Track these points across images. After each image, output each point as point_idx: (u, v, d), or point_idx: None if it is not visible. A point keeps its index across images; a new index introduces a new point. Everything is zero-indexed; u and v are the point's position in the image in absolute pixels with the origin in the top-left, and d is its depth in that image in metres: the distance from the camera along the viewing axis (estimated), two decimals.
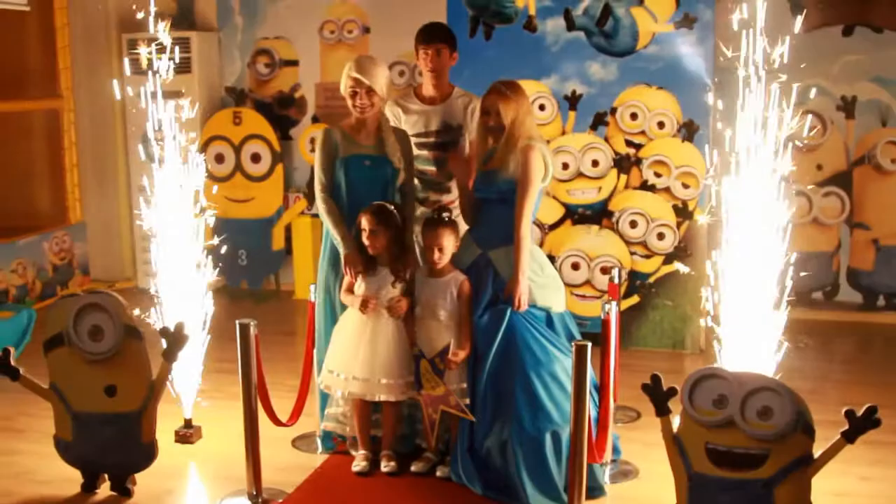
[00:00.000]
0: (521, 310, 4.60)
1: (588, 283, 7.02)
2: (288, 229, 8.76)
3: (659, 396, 4.00)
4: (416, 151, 5.14)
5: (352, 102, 4.91)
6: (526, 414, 4.50)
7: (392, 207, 4.77)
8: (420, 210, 5.16)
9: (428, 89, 5.27)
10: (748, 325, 4.84)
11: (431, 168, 5.20)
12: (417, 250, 5.01)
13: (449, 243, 4.68)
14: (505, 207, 4.67)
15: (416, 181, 5.17)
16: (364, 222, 4.71)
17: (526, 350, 4.56)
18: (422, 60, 5.20)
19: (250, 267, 8.78)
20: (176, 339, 4.56)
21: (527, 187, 4.63)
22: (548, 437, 4.47)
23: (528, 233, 4.65)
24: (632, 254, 6.96)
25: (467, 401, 4.62)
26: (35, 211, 8.94)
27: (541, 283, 4.71)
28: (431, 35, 5.19)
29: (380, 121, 4.98)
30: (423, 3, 7.60)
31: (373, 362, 4.71)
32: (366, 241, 4.71)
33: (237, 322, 4.38)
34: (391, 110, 5.23)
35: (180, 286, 5.24)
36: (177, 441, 5.29)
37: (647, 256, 6.95)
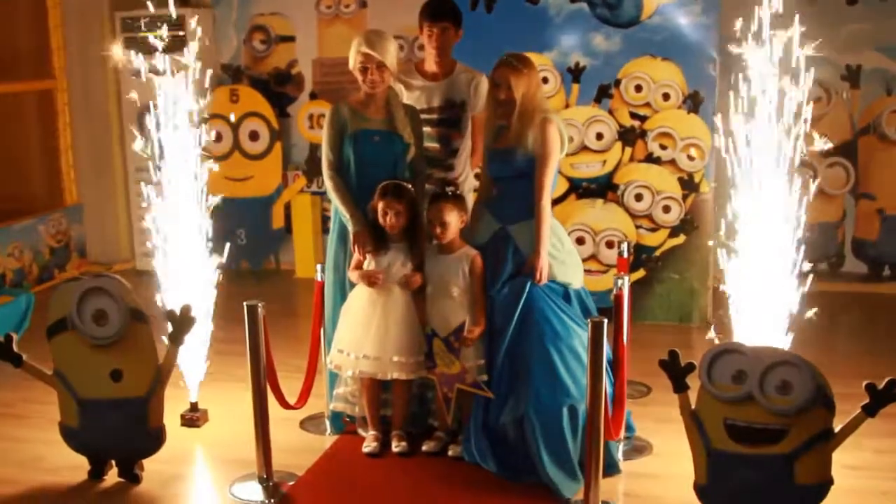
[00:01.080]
0: (542, 283, 4.54)
1: (593, 257, 6.96)
2: (287, 207, 8.68)
3: (677, 372, 3.94)
4: None
5: (362, 78, 4.82)
6: (543, 388, 4.43)
7: (408, 184, 4.71)
8: (443, 180, 5.06)
9: (430, 65, 5.19)
10: (758, 298, 4.78)
11: (434, 145, 5.11)
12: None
13: (452, 218, 4.60)
14: (523, 182, 4.60)
15: None
16: (383, 204, 4.64)
17: (545, 323, 4.50)
18: (426, 38, 5.11)
19: (250, 246, 8.69)
20: (182, 321, 4.49)
21: (547, 161, 4.57)
22: (565, 412, 4.40)
23: (549, 207, 4.60)
24: (637, 227, 6.90)
25: (485, 377, 4.56)
26: (30, 194, 8.83)
27: (560, 259, 4.65)
28: (437, 12, 5.10)
29: (388, 95, 4.90)
30: None
31: (384, 340, 4.64)
32: (388, 222, 4.65)
33: (245, 303, 4.32)
34: (394, 86, 5.12)
35: (186, 267, 5.16)
36: (183, 425, 5.22)
37: (653, 230, 6.89)
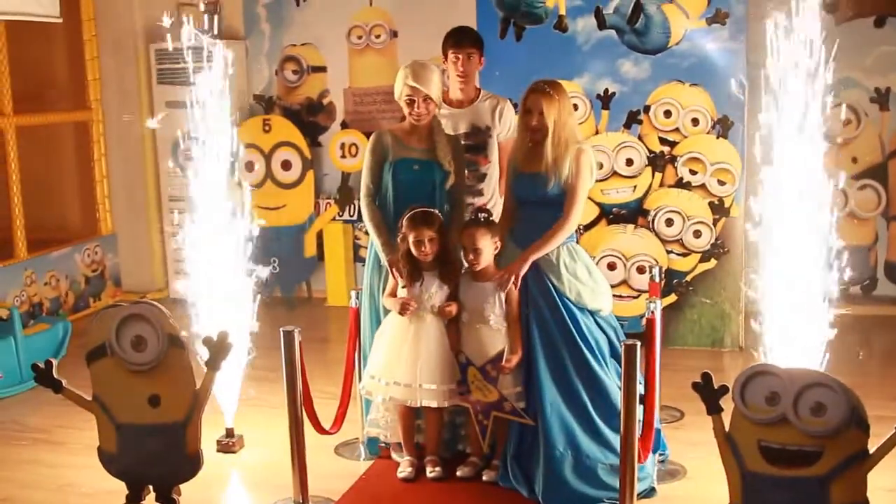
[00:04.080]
0: (510, 290, 4.58)
1: (625, 282, 6.97)
2: (319, 236, 8.75)
3: (710, 394, 3.93)
4: None
5: (409, 110, 4.88)
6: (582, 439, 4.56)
7: (435, 210, 4.74)
8: (476, 207, 5.10)
9: (455, 93, 5.27)
10: (790, 321, 4.79)
11: None
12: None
13: (485, 245, 4.61)
14: (550, 210, 4.64)
15: None
16: (415, 233, 4.65)
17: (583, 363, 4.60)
18: (451, 65, 5.20)
19: (282, 274, 8.74)
20: (219, 348, 4.52)
21: (578, 192, 4.62)
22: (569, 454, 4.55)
23: (566, 234, 4.65)
24: (668, 252, 6.91)
25: (523, 404, 4.59)
26: (66, 223, 8.96)
27: (590, 286, 4.68)
28: (461, 39, 5.21)
29: (432, 125, 4.95)
30: (451, 5, 7.61)
31: (415, 367, 4.66)
32: (420, 251, 4.66)
33: (281, 329, 4.35)
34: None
35: (224, 295, 5.22)
36: (219, 451, 5.27)
37: (684, 254, 6.90)
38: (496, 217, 4.87)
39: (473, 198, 5.23)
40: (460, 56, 5.17)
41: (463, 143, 5.16)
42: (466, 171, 5.16)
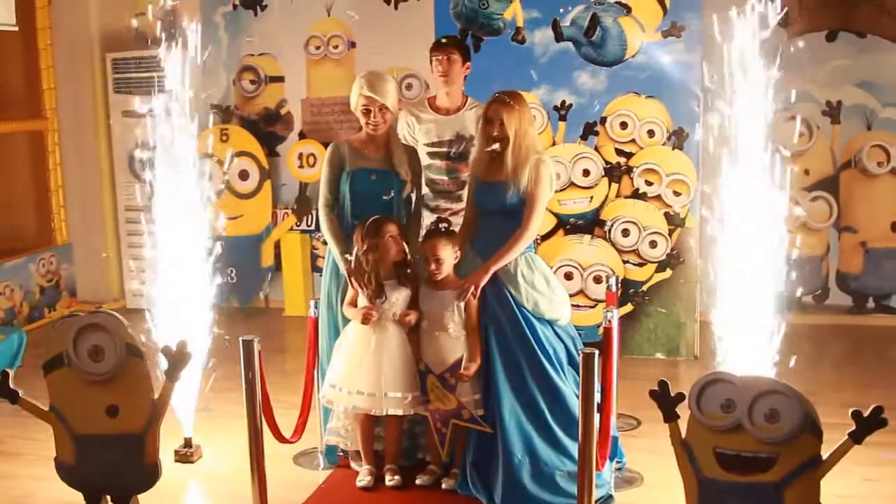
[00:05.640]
0: (471, 301, 4.61)
1: (581, 292, 7.02)
2: (277, 246, 8.73)
3: (667, 402, 3.98)
4: (428, 161, 5.21)
5: (365, 120, 4.91)
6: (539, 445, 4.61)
7: (388, 218, 4.76)
8: (437, 217, 5.14)
9: (442, 99, 5.34)
10: (744, 330, 4.86)
11: (444, 177, 5.24)
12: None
13: (447, 254, 4.65)
14: (510, 220, 4.68)
15: (427, 190, 5.22)
16: (364, 242, 4.67)
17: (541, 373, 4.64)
18: (434, 67, 5.27)
19: (239, 284, 8.72)
20: (178, 358, 4.50)
21: (537, 202, 4.67)
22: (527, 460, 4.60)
23: (524, 244, 4.69)
24: (624, 262, 6.97)
25: (482, 412, 4.62)
26: (20, 233, 8.86)
27: (548, 296, 4.73)
28: (443, 42, 5.33)
29: (389, 135, 5.00)
30: (409, 17, 7.65)
31: (378, 376, 4.66)
32: (368, 259, 4.67)
33: (240, 338, 4.35)
34: (405, 119, 5.30)
35: (182, 304, 5.21)
36: (177, 460, 5.25)
37: (640, 265, 6.96)
38: (455, 227, 4.90)
39: (452, 203, 5.29)
40: (441, 57, 5.23)
41: (447, 150, 5.24)
42: (447, 178, 5.23)
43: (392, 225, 4.72)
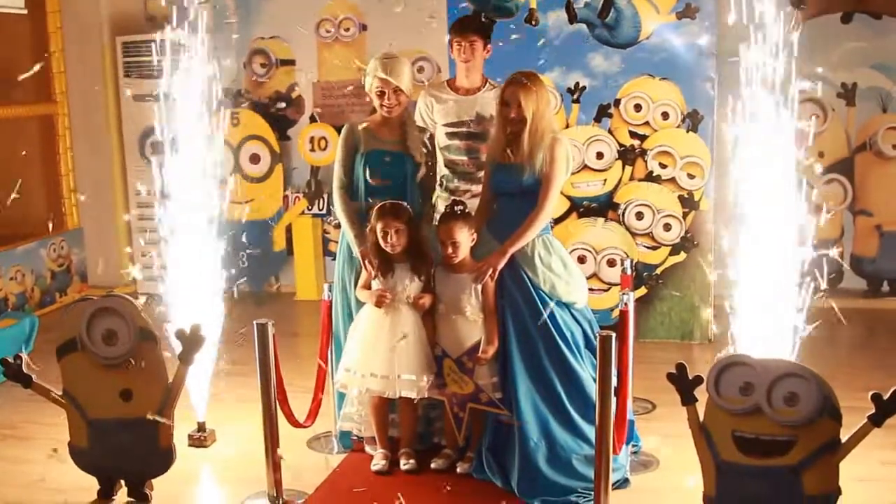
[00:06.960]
0: (488, 283, 4.59)
1: (595, 275, 6.98)
2: (288, 230, 8.71)
3: (685, 385, 3.97)
4: (447, 141, 5.16)
5: (379, 102, 4.91)
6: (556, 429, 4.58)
7: (404, 203, 4.73)
8: (452, 199, 5.11)
9: (461, 80, 5.28)
10: (759, 314, 4.83)
11: (463, 158, 5.18)
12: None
13: (463, 237, 4.61)
14: (526, 200, 4.65)
15: (447, 171, 5.19)
16: (382, 224, 4.64)
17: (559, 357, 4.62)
18: (456, 52, 5.22)
19: (251, 268, 8.69)
20: (192, 341, 4.50)
21: (553, 181, 4.64)
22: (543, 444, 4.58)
23: (541, 224, 4.66)
24: (638, 245, 6.94)
25: (500, 395, 4.60)
26: (31, 217, 8.84)
27: (564, 279, 4.70)
28: (465, 27, 5.23)
29: (404, 117, 4.97)
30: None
31: (392, 359, 4.63)
32: (388, 242, 4.64)
33: (255, 322, 4.33)
34: (424, 100, 5.25)
35: (195, 288, 5.19)
36: (190, 445, 5.23)
37: (654, 248, 6.93)
38: (471, 209, 4.87)
39: (471, 184, 5.23)
40: (463, 43, 5.18)
41: (466, 130, 5.18)
42: (467, 158, 5.18)
43: (405, 210, 4.69)
